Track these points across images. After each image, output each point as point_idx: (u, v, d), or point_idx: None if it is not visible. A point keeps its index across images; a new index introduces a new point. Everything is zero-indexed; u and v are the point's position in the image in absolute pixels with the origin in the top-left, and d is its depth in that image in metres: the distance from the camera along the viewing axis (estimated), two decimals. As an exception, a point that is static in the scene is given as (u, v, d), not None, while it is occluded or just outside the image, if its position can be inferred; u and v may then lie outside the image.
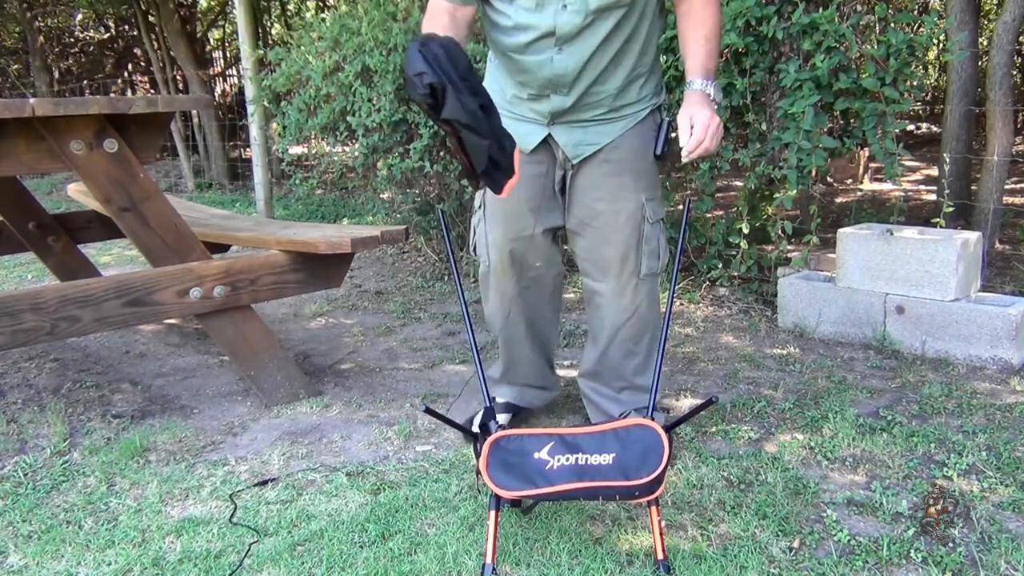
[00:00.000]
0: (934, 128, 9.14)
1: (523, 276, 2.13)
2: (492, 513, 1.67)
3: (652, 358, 2.21)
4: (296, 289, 2.67)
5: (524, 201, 2.04)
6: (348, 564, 1.73)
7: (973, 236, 3.00)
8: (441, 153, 4.07)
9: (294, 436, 2.41)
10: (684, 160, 1.80)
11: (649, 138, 2.00)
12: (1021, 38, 6.24)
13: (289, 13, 10.84)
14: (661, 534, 1.69)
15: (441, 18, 1.88)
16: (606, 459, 1.68)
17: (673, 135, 1.97)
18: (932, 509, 1.90)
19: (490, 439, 1.72)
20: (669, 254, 2.15)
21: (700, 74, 1.85)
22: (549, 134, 2.00)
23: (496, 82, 2.05)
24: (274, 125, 5.74)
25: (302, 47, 4.54)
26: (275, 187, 7.02)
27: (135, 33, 10.67)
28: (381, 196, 5.10)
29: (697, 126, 1.77)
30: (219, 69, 10.85)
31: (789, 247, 3.54)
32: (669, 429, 1.92)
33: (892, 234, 3.01)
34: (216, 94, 10.14)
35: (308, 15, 9.97)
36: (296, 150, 5.53)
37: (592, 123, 1.97)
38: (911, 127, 9.48)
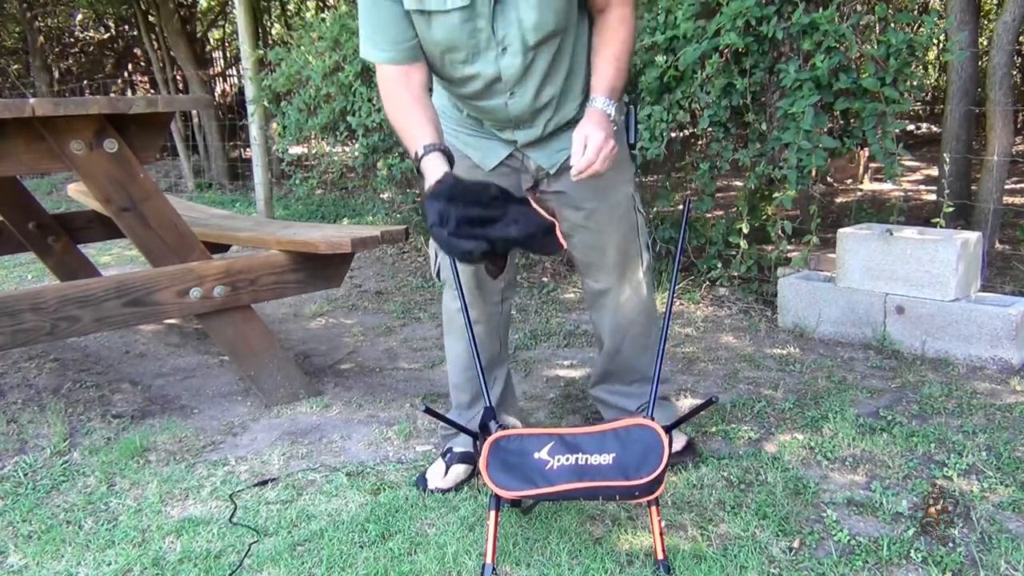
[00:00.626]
0: (934, 128, 9.14)
1: (487, 301, 2.09)
2: (492, 513, 1.67)
3: (654, 357, 2.20)
4: (296, 289, 2.67)
5: None
6: (348, 564, 1.74)
7: (973, 236, 3.00)
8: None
9: (294, 436, 2.41)
10: (573, 178, 1.74)
11: (620, 129, 1.97)
12: (1021, 38, 6.24)
13: (289, 13, 10.84)
14: (661, 534, 1.68)
15: (399, 93, 1.80)
16: (606, 459, 1.68)
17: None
18: (932, 509, 1.90)
19: (490, 439, 1.72)
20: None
21: (603, 92, 1.79)
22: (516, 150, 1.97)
23: (447, 99, 1.98)
24: (274, 125, 5.74)
25: (302, 47, 4.54)
26: (275, 187, 7.02)
27: (135, 33, 10.68)
28: (381, 196, 5.10)
29: (590, 147, 1.70)
30: (219, 69, 10.86)
31: (789, 247, 3.54)
32: (669, 429, 1.93)
33: (892, 234, 3.01)
34: (216, 94, 10.14)
35: (308, 15, 9.98)
36: (296, 150, 5.54)
37: (563, 130, 1.94)
38: (911, 127, 9.48)
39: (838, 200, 6.18)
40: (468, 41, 1.76)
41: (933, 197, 5.60)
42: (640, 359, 2.18)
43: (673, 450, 2.04)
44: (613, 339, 2.16)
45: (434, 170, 1.71)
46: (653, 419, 1.77)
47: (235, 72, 9.83)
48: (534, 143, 1.94)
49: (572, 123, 1.91)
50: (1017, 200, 5.93)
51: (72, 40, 11.97)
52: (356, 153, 4.45)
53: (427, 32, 1.77)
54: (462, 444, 2.12)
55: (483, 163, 1.98)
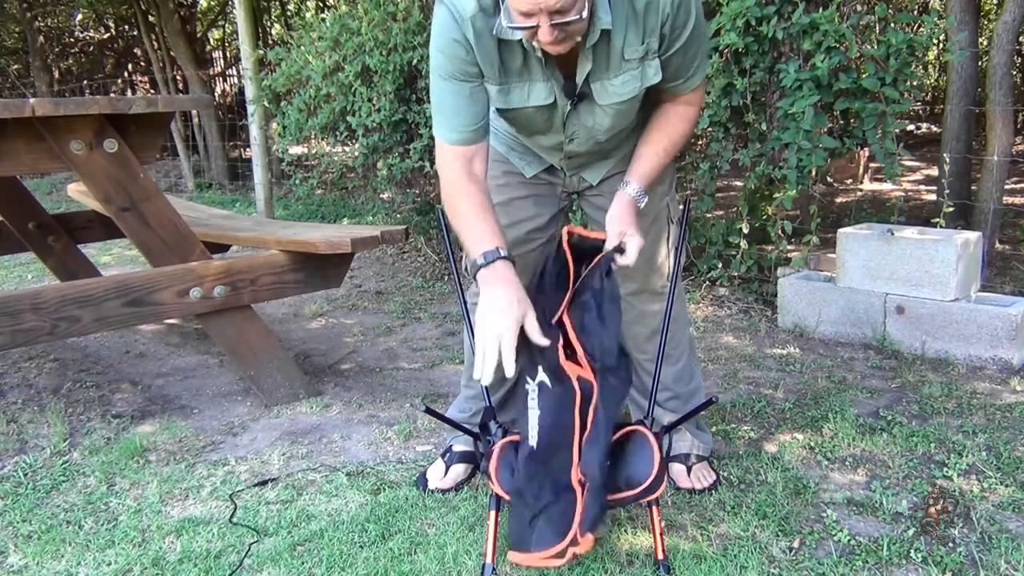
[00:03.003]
0: (934, 128, 9.14)
1: None
2: (492, 513, 1.66)
3: (692, 364, 2.14)
4: (296, 289, 2.67)
5: (528, 220, 1.98)
6: (348, 564, 1.73)
7: (973, 236, 3.00)
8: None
9: (294, 436, 2.41)
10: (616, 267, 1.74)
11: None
12: (1021, 38, 6.24)
13: (289, 13, 10.84)
14: (661, 534, 1.69)
15: (463, 193, 1.72)
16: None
17: None
18: (932, 509, 1.90)
19: (501, 442, 1.71)
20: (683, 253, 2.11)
21: (640, 181, 1.77)
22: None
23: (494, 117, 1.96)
24: (274, 125, 5.74)
25: (302, 47, 4.54)
26: (275, 187, 7.02)
27: (135, 33, 10.67)
28: (381, 196, 5.10)
29: (632, 249, 1.70)
30: (219, 69, 10.86)
31: (789, 247, 3.54)
32: (669, 429, 1.92)
33: (892, 234, 3.01)
34: (216, 94, 10.14)
35: (308, 15, 9.98)
36: (296, 150, 5.53)
37: (611, 153, 1.94)
38: (911, 127, 9.48)
39: (838, 200, 6.18)
40: (541, 126, 1.80)
41: (933, 197, 5.60)
42: (665, 371, 2.07)
43: (702, 485, 2.02)
44: (637, 348, 2.10)
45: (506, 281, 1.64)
46: (651, 424, 1.77)
47: (235, 72, 9.83)
48: (581, 165, 1.95)
49: (620, 150, 1.93)
50: (1017, 200, 5.94)
51: (72, 40, 11.97)
52: (356, 153, 4.45)
53: (504, 114, 1.80)
54: (462, 444, 2.12)
55: (523, 170, 1.97)
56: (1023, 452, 2.16)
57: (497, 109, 1.79)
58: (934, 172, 7.24)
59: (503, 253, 1.64)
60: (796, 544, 1.77)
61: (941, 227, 3.19)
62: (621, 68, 1.67)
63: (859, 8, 3.28)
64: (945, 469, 2.08)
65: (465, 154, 1.74)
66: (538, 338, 1.61)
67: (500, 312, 1.58)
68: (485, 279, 1.63)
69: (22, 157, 2.22)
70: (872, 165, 6.79)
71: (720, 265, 3.69)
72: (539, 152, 1.94)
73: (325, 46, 4.30)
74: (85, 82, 11.29)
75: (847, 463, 2.14)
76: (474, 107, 1.70)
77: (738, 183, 6.39)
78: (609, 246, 1.73)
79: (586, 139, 1.82)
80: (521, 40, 1.62)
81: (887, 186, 6.76)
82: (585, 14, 1.51)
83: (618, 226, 1.73)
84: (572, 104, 1.73)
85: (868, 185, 6.83)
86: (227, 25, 11.36)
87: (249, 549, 1.81)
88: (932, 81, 8.82)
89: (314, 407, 2.62)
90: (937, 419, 2.40)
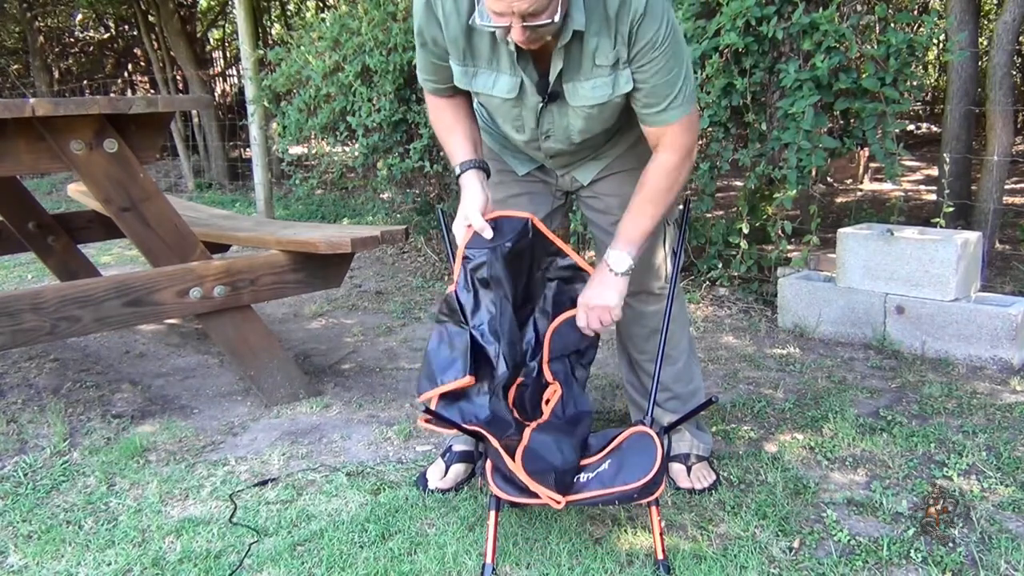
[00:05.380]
0: (934, 128, 9.14)
1: None
2: (492, 513, 1.66)
3: (692, 364, 2.14)
4: (296, 289, 2.67)
5: None
6: (348, 564, 1.74)
7: (973, 236, 3.00)
8: (441, 153, 4.07)
9: (294, 436, 2.41)
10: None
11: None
12: (1021, 38, 6.24)
13: (289, 13, 10.84)
14: (661, 534, 1.69)
15: (443, 114, 1.87)
16: (604, 466, 1.68)
17: None
18: (932, 509, 1.90)
19: (500, 444, 1.71)
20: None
21: (621, 246, 1.77)
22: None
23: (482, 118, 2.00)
24: (274, 125, 5.74)
25: (302, 47, 4.54)
26: (275, 187, 7.02)
27: (135, 33, 10.67)
28: (381, 196, 5.10)
29: (589, 317, 1.81)
30: (219, 69, 10.85)
31: (789, 247, 3.54)
32: (668, 429, 1.92)
33: (892, 234, 3.01)
34: (216, 94, 10.14)
35: (308, 15, 9.98)
36: (296, 150, 5.54)
37: (600, 153, 1.94)
38: (911, 127, 9.47)
39: (838, 200, 6.18)
40: (514, 122, 1.81)
41: (933, 197, 5.60)
42: (664, 371, 2.06)
43: (702, 485, 2.02)
44: (635, 348, 2.11)
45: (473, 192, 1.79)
46: (652, 424, 1.77)
47: (235, 72, 9.82)
48: (568, 164, 1.95)
49: (608, 152, 1.92)
50: (1017, 200, 5.93)
51: (72, 40, 11.96)
52: (356, 153, 4.45)
53: (475, 98, 1.85)
54: (462, 444, 2.12)
55: (516, 168, 1.98)
56: (1023, 452, 2.17)
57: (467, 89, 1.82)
58: (934, 172, 7.23)
59: (461, 170, 1.81)
60: (796, 544, 1.77)
61: (941, 227, 3.19)
62: (592, 72, 1.67)
63: (859, 8, 3.28)
64: (945, 469, 2.09)
65: (442, 96, 1.87)
66: (485, 231, 1.77)
67: (457, 221, 1.81)
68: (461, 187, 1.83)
69: (22, 157, 2.22)
70: (872, 165, 6.78)
71: (720, 265, 3.69)
72: (523, 149, 1.94)
73: (325, 46, 4.30)
74: (85, 82, 11.29)
75: (847, 463, 2.14)
76: (443, 73, 1.81)
77: (738, 183, 6.39)
78: (579, 316, 1.84)
79: (562, 138, 1.82)
80: (494, 32, 1.64)
81: (887, 186, 6.76)
82: (558, 18, 1.53)
83: (586, 300, 1.82)
84: (544, 102, 1.74)
85: (868, 185, 6.83)
86: (227, 25, 11.35)
87: (249, 549, 1.81)
88: (932, 81, 8.82)
89: (314, 407, 2.62)
90: (937, 419, 2.40)
